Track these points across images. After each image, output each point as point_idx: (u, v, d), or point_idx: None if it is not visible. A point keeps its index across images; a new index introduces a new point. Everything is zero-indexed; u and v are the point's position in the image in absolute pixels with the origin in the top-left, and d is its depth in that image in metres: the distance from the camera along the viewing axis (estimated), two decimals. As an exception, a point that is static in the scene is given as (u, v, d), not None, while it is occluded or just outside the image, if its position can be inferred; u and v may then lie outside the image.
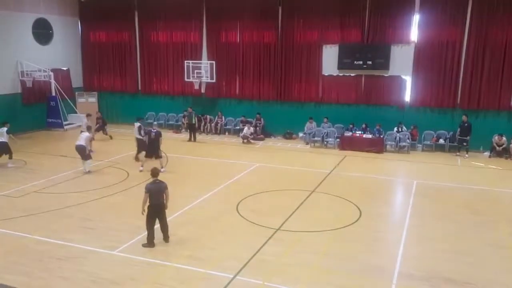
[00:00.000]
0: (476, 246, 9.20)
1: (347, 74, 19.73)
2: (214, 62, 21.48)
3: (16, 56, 20.59)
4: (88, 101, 23.92)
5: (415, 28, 18.48)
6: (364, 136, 18.33)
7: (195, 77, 21.60)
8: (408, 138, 18.20)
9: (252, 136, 19.79)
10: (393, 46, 18.77)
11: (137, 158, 15.70)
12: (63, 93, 22.16)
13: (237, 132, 21.12)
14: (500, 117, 17.86)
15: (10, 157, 14.97)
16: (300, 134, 20.42)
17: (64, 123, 21.86)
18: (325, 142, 19.08)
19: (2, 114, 19.12)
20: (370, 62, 18.93)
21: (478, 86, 17.85)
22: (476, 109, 18.04)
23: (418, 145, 18.60)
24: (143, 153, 14.96)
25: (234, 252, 8.68)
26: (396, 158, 17.22)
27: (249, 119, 20.72)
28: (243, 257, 8.38)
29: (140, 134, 15.48)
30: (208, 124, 21.76)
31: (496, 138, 17.29)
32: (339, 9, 19.23)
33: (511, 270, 8.23)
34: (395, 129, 18.62)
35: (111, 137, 19.87)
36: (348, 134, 18.69)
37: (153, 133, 14.38)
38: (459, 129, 17.66)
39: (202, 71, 21.55)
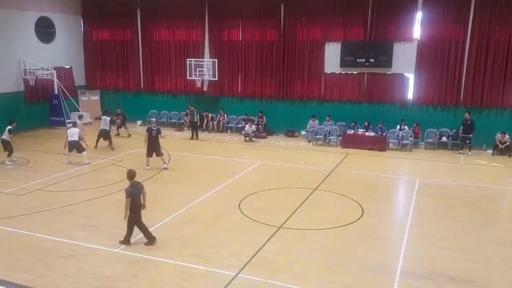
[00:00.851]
0: (478, 244, 9.18)
1: (349, 72, 19.70)
2: (216, 60, 21.47)
3: (19, 54, 20.64)
4: (91, 99, 23.98)
5: (417, 25, 18.42)
6: (367, 134, 18.30)
7: (198, 75, 21.61)
8: (411, 136, 18.17)
9: (254, 134, 19.79)
10: (396, 44, 18.73)
11: (96, 146, 17.37)
12: (66, 92, 22.20)
13: (239, 130, 21.12)
14: (503, 114, 17.80)
15: (9, 155, 15.08)
16: (303, 132, 20.40)
17: (67, 121, 21.88)
18: (328, 140, 19.06)
19: (6, 113, 19.23)
20: (372, 60, 18.89)
21: (481, 84, 17.79)
22: (479, 106, 17.99)
23: (421, 143, 18.57)
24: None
25: (236, 250, 8.69)
26: (399, 156, 17.20)
27: (251, 117, 20.72)
28: (245, 255, 8.39)
29: (109, 126, 17.57)
30: (210, 122, 21.77)
31: (499, 135, 17.24)
32: (341, 6, 19.19)
33: (514, 268, 8.22)
34: (398, 127, 18.58)
35: (129, 135, 20.07)
36: (351, 132, 18.66)
37: (154, 131, 14.40)
38: (462, 127, 17.62)
39: (204, 69, 21.56)
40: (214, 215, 10.57)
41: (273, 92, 21.05)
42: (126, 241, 8.83)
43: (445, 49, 18.09)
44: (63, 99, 21.87)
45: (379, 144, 17.87)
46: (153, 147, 14.43)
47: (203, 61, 21.67)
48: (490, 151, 17.51)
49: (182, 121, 22.40)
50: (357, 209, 11.06)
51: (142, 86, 23.80)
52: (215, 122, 21.73)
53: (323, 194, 12.37)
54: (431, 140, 18.53)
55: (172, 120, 23.04)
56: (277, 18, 20.31)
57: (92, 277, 7.62)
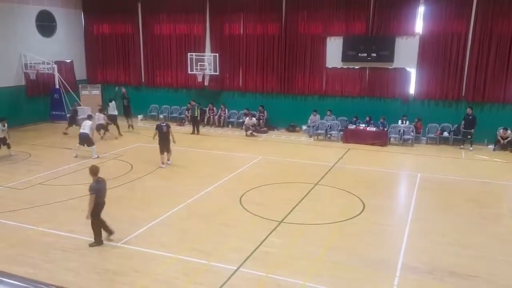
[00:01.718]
0: (480, 239, 9.19)
1: (351, 67, 19.64)
2: (217, 54, 21.43)
3: (19, 48, 20.61)
4: (92, 94, 23.95)
5: (420, 20, 18.35)
6: (368, 129, 18.28)
7: (199, 69, 21.56)
8: (412, 131, 18.14)
9: (254, 128, 19.76)
10: (398, 38, 18.65)
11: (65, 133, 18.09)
12: (67, 86, 22.17)
13: (240, 125, 21.10)
14: (505, 110, 17.74)
15: (9, 147, 15.10)
16: (304, 127, 20.38)
17: (68, 115, 21.88)
18: (329, 135, 19.05)
19: (7, 107, 19.27)
20: (374, 55, 18.82)
21: (483, 79, 17.73)
22: (481, 101, 17.94)
23: (422, 138, 18.54)
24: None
25: (237, 244, 8.71)
26: (400, 151, 17.18)
27: (252, 112, 20.69)
28: (246, 249, 8.41)
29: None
30: (212, 117, 21.74)
31: (500, 131, 17.20)
32: (343, 0, 19.09)
33: (514, 263, 8.23)
34: (399, 122, 18.55)
35: (131, 126, 20.24)
36: (352, 127, 18.64)
37: (164, 127, 14.19)
38: (463, 122, 17.58)
39: (205, 64, 21.51)
40: (215, 210, 10.59)
41: (274, 86, 21.01)
42: (98, 241, 8.57)
43: (447, 43, 18.02)
44: (64, 93, 21.86)
45: (380, 139, 17.86)
46: (164, 144, 14.19)
47: (204, 56, 21.62)
48: (491, 147, 17.48)
49: (183, 115, 22.39)
50: (358, 204, 11.07)
51: (143, 80, 23.78)
52: (216, 117, 21.71)
53: (324, 189, 12.38)
54: (433, 135, 18.50)
55: (173, 115, 23.02)
56: (278, 12, 20.24)
57: (94, 271, 7.66)
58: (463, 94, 18.24)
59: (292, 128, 20.76)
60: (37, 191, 11.89)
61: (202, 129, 20.52)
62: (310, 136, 19.51)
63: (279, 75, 20.75)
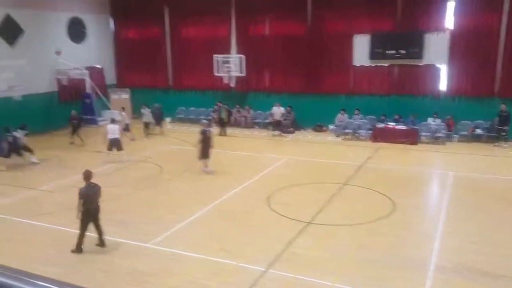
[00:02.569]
0: (515, 239, 8.86)
1: (379, 64, 19.31)
2: (243, 55, 21.48)
3: (52, 55, 21.25)
4: (121, 98, 24.42)
5: (450, 15, 17.85)
6: (397, 127, 17.91)
7: (225, 71, 21.66)
8: (444, 129, 17.66)
9: (284, 118, 19.54)
10: (427, 34, 18.17)
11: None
12: (97, 90, 22.71)
13: (266, 126, 21.05)
14: (542, 105, 17.05)
15: (32, 153, 15.18)
16: (331, 127, 20.16)
17: (98, 119, 22.42)
18: (357, 134, 18.77)
19: (41, 112, 19.92)
20: (403, 51, 18.42)
21: (518, 73, 17.09)
22: (516, 97, 17.31)
23: (454, 135, 18.00)
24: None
25: (265, 245, 8.68)
26: (431, 150, 16.76)
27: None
28: (274, 250, 8.36)
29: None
30: (238, 118, 21.77)
31: (537, 127, 16.54)
32: (370, -3, 18.82)
33: (555, 264, 7.88)
34: (430, 119, 18.09)
35: (161, 132, 20.47)
36: (381, 125, 18.30)
37: (208, 132, 13.93)
38: (497, 119, 16.98)
39: (231, 65, 21.59)
40: (242, 211, 10.60)
41: (301, 86, 20.87)
42: (79, 249, 8.47)
43: (479, 38, 17.45)
44: (95, 98, 22.38)
45: (410, 138, 17.45)
46: (208, 149, 13.86)
47: (230, 57, 21.72)
48: (527, 144, 16.83)
49: (210, 117, 22.51)
50: (388, 204, 10.84)
51: (170, 83, 24.09)
52: (242, 118, 21.73)
53: (353, 189, 12.19)
54: (465, 132, 17.94)
55: (200, 117, 23.18)
56: (304, 12, 20.11)
57: (125, 272, 7.78)
58: (496, 90, 17.62)
59: (319, 128, 20.56)
60: (68, 193, 12.12)
61: (229, 131, 20.60)
62: (338, 136, 19.28)
63: (305, 74, 20.61)
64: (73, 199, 11.41)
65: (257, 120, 21.85)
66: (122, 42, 24.80)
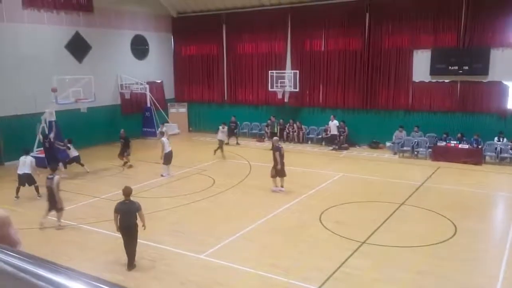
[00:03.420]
0: None
1: (440, 80, 18.59)
2: (298, 71, 21.51)
3: (116, 70, 22.44)
4: (179, 111, 25.25)
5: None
6: (460, 146, 17.05)
7: (279, 86, 21.79)
8: (511, 149, 16.59)
9: (339, 132, 19.32)
10: (493, 50, 17.31)
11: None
12: (157, 104, 23.65)
13: (319, 141, 20.82)
14: None
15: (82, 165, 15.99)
16: (388, 144, 19.57)
17: (157, 132, 23.21)
18: (416, 152, 18.08)
19: (106, 124, 21.04)
20: (466, 67, 17.63)
21: None
22: None
23: (523, 156, 16.88)
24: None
25: (317, 263, 8.50)
26: (497, 171, 15.78)
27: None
28: (326, 269, 8.17)
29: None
30: (291, 133, 21.71)
31: None
32: (431, 11, 18.24)
33: None
34: (496, 139, 17.08)
35: (237, 143, 20.96)
36: (442, 144, 17.52)
37: (282, 148, 13.51)
38: None
39: (285, 81, 21.69)
40: (294, 226, 10.48)
41: (356, 102, 20.53)
42: (130, 265, 8.34)
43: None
44: (155, 111, 23.30)
45: (474, 157, 16.54)
46: (283, 166, 13.27)
47: (284, 73, 21.83)
48: None
49: (262, 132, 22.68)
50: (449, 227, 10.28)
51: (225, 98, 24.58)
52: (295, 134, 21.66)
53: (411, 210, 11.70)
54: (535, 153, 16.77)
55: (253, 131, 23.42)
56: (361, 26, 19.87)
57: (179, 281, 7.91)
58: None
59: (375, 144, 20.04)
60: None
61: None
62: (395, 153, 18.67)
63: (361, 90, 20.25)
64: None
65: (310, 136, 21.70)
66: (181, 58, 25.73)
